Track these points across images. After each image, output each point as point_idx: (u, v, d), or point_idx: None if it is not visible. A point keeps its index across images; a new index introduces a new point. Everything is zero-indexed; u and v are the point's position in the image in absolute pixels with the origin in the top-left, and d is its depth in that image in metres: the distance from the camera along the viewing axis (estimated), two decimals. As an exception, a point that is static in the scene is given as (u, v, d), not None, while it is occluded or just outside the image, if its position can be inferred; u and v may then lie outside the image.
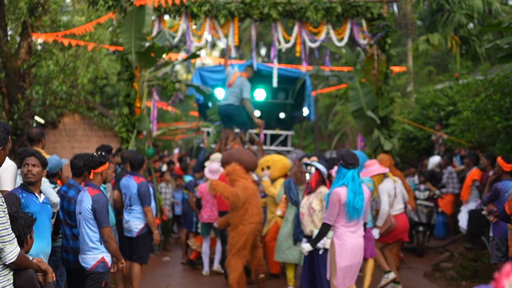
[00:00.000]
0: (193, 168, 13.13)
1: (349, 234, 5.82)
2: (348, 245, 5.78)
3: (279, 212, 8.46)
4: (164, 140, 26.10)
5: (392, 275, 8.09)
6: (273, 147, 14.55)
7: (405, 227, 8.48)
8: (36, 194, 4.63)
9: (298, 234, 7.87)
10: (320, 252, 6.63)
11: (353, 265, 5.87)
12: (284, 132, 15.40)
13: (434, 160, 12.78)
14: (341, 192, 5.76)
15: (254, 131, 12.99)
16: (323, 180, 6.91)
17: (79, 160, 5.94)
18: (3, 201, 3.76)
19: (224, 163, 8.70)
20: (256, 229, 8.02)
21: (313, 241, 6.20)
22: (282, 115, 16.17)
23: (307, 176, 7.00)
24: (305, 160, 8.68)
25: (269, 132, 14.85)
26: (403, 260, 10.10)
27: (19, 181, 4.97)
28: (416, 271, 9.71)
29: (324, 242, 6.63)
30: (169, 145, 28.77)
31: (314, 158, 8.60)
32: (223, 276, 9.20)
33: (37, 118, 13.32)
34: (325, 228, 5.94)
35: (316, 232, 6.66)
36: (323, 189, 6.85)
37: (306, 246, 6.30)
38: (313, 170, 7.06)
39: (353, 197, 5.72)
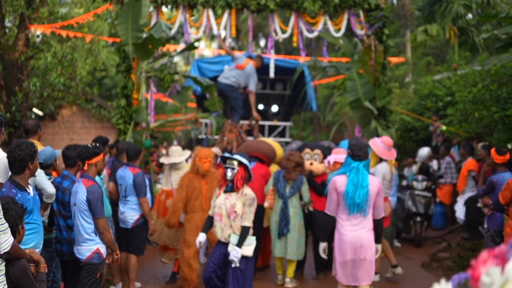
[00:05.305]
0: None
1: (347, 228, 5.56)
2: (345, 239, 5.54)
3: (266, 203, 8.13)
4: (164, 132, 26.15)
5: (399, 270, 8.10)
6: (271, 138, 14.52)
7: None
8: (27, 189, 4.62)
9: (282, 228, 7.80)
10: (233, 265, 5.78)
11: (355, 261, 5.54)
12: (282, 123, 15.39)
13: (424, 152, 12.55)
14: (338, 180, 5.58)
15: (247, 122, 12.90)
16: (249, 177, 6.04)
17: (71, 151, 5.96)
18: (-4, 192, 3.78)
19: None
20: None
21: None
22: (280, 106, 16.15)
23: (229, 172, 5.90)
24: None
25: (267, 123, 14.85)
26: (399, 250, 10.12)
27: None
28: (414, 261, 9.74)
29: (244, 247, 5.84)
30: (168, 137, 28.80)
31: (318, 151, 8.46)
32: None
33: (35, 110, 13.33)
34: (328, 219, 5.68)
35: (234, 238, 5.83)
36: (248, 191, 5.93)
37: (243, 250, 5.64)
38: (235, 164, 5.95)
39: (353, 190, 5.47)
